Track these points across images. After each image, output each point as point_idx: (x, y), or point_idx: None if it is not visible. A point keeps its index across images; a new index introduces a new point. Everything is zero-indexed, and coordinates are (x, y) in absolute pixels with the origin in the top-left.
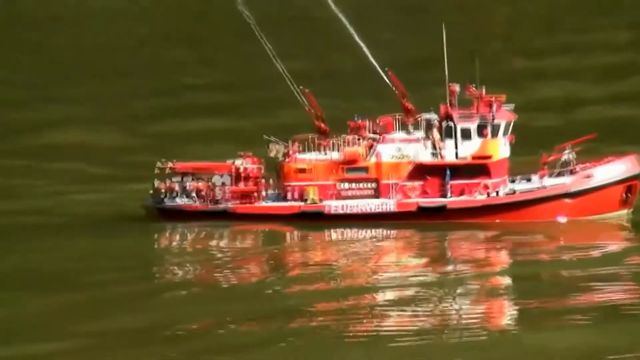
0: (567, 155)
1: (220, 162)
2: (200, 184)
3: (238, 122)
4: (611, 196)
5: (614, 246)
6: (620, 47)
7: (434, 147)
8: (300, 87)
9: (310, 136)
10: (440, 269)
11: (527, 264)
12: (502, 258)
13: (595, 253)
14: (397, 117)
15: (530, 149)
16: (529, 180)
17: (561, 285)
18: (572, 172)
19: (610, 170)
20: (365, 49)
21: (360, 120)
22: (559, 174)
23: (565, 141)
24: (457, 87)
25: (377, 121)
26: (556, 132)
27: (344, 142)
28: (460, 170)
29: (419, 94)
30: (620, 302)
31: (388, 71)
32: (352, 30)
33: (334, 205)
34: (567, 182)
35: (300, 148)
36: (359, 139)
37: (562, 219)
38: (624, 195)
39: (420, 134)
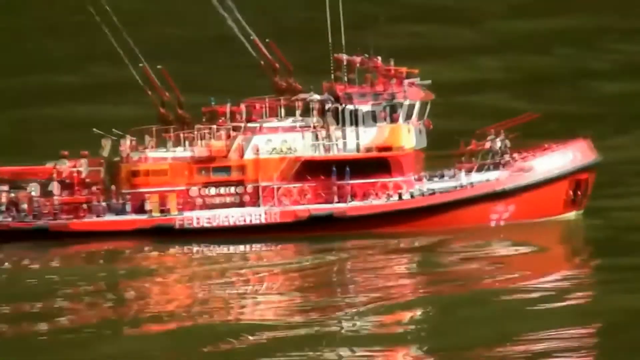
0: (498, 142)
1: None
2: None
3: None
4: (555, 195)
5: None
6: None
7: (328, 137)
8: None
9: (154, 128)
10: (324, 302)
11: (446, 298)
12: (416, 284)
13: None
14: (269, 99)
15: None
16: (451, 177)
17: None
18: (504, 165)
19: (554, 161)
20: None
21: (217, 105)
22: (488, 167)
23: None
24: (357, 59)
25: (245, 105)
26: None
27: (200, 134)
28: (363, 167)
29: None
30: None
31: (269, 42)
32: None
33: (200, 217)
34: (498, 178)
35: (153, 144)
36: (217, 130)
37: (496, 222)
38: (571, 194)
39: (308, 121)
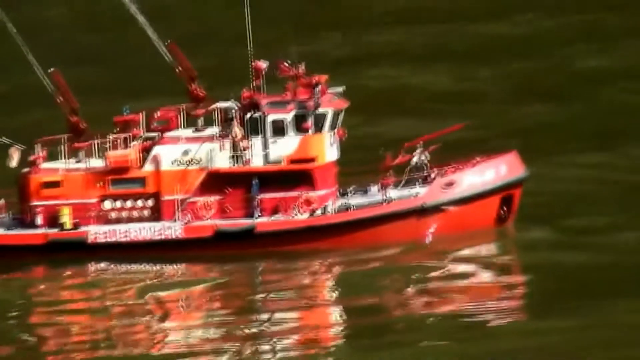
0: (419, 155)
1: None
2: None
3: None
4: (483, 211)
5: None
6: None
7: (235, 147)
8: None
9: (62, 137)
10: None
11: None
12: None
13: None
14: (182, 108)
15: (368, 150)
16: (365, 191)
17: None
18: (425, 180)
19: (481, 176)
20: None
21: (129, 114)
22: (408, 182)
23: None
24: (264, 65)
25: (156, 114)
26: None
27: (110, 144)
28: (273, 180)
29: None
30: None
31: (169, 43)
32: None
33: (98, 232)
34: (420, 194)
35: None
36: (128, 140)
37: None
38: (500, 210)
39: (213, 130)
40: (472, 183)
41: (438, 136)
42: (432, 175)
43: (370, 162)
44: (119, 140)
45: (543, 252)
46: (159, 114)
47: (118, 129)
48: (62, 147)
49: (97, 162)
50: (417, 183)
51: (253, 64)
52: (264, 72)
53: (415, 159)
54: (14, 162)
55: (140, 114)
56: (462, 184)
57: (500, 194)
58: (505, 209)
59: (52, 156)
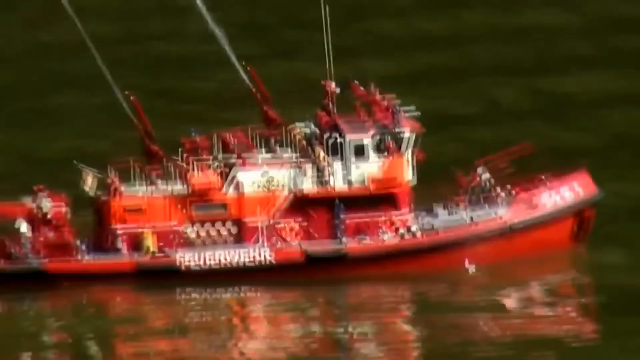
0: (484, 174)
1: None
2: None
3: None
4: (559, 231)
5: None
6: None
7: (318, 170)
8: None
9: (132, 161)
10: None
11: None
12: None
13: None
14: (256, 130)
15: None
16: (431, 210)
17: None
18: (487, 199)
19: (559, 196)
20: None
21: (197, 136)
22: (475, 201)
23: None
24: (334, 85)
25: (230, 137)
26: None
27: (189, 168)
28: (356, 201)
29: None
30: None
31: (247, 67)
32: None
33: (188, 258)
34: (501, 214)
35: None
36: (208, 164)
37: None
38: (576, 229)
39: (289, 152)
40: (553, 203)
41: (505, 155)
42: (498, 194)
43: (426, 180)
44: (197, 164)
45: (618, 274)
46: (233, 136)
47: (186, 152)
48: (136, 170)
49: (176, 186)
50: (483, 202)
51: (323, 84)
52: (334, 93)
53: (482, 177)
54: (88, 187)
55: (214, 136)
56: (543, 204)
57: (578, 213)
58: (581, 228)
59: (124, 179)
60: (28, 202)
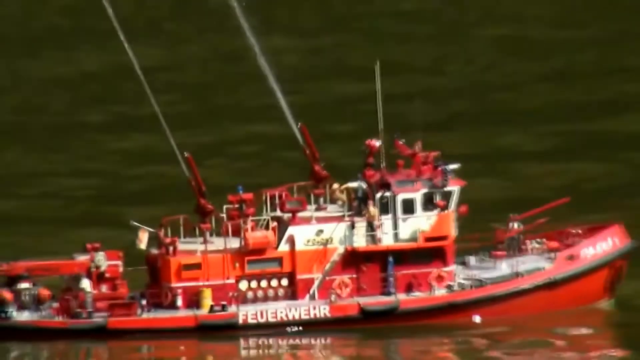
0: (517, 226)
1: (64, 258)
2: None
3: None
4: (596, 283)
5: None
6: None
7: (370, 226)
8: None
9: (181, 217)
10: None
11: None
12: None
13: None
14: (299, 188)
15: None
16: (463, 263)
17: None
18: (519, 250)
19: (595, 249)
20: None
21: (243, 193)
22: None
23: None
24: (377, 143)
25: (278, 194)
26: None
27: (244, 224)
28: (407, 256)
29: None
30: None
31: (300, 125)
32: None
33: (248, 313)
34: (546, 266)
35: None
36: (259, 221)
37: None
38: (612, 282)
39: (336, 208)
40: (592, 255)
41: (544, 210)
42: (527, 246)
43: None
44: (249, 221)
45: None
46: (280, 193)
47: (231, 208)
48: (186, 226)
49: (231, 243)
50: (515, 254)
51: (367, 142)
52: (377, 151)
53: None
54: (143, 244)
55: (264, 194)
56: (583, 256)
57: (613, 266)
58: (615, 280)
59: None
60: (84, 259)
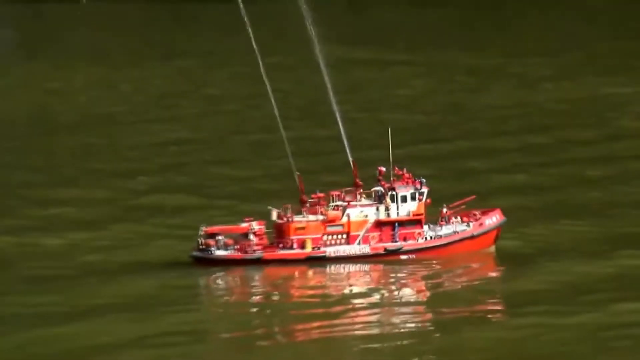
0: (447, 209)
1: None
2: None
3: None
4: (490, 237)
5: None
6: None
7: (386, 209)
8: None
9: (286, 205)
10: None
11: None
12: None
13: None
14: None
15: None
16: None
17: None
18: (448, 221)
19: (490, 221)
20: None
21: (318, 194)
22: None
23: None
24: (384, 169)
25: (341, 194)
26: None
27: (326, 208)
28: (405, 223)
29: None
30: None
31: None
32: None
33: (331, 251)
34: (468, 228)
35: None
36: (335, 207)
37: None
38: (495, 238)
39: (370, 200)
40: (489, 223)
41: (462, 202)
42: (452, 219)
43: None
44: (331, 206)
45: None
46: (342, 194)
47: (311, 201)
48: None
49: (318, 217)
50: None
51: (378, 168)
52: (383, 173)
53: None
54: (274, 217)
55: (338, 192)
56: (486, 224)
57: (497, 229)
58: (497, 237)
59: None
60: (245, 225)
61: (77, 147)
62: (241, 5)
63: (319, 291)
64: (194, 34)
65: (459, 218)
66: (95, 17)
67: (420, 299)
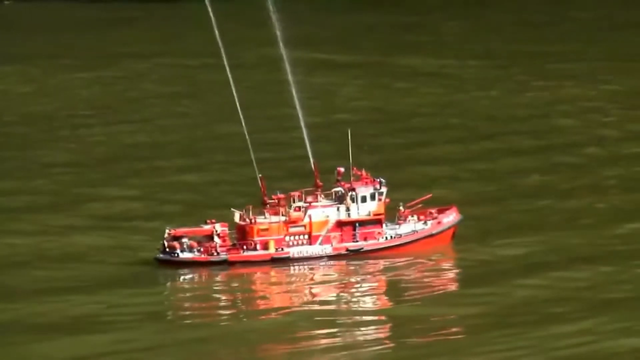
0: (403, 208)
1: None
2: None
3: None
4: (448, 234)
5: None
6: None
7: (347, 209)
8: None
9: (248, 206)
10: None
11: None
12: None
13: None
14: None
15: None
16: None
17: None
18: (405, 220)
19: (448, 219)
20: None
21: (278, 195)
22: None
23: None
24: (342, 169)
25: (301, 195)
26: None
27: (289, 209)
28: (365, 223)
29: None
30: None
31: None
32: None
33: (293, 252)
34: (426, 227)
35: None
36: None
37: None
38: (453, 234)
39: (329, 201)
40: (447, 221)
41: (419, 201)
42: (408, 220)
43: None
44: (292, 207)
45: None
46: (300, 195)
47: (272, 202)
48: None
49: (280, 217)
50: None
51: (337, 169)
52: (342, 174)
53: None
54: (236, 219)
55: (297, 193)
56: (444, 222)
57: (454, 227)
58: (454, 234)
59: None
60: (208, 227)
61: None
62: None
63: (286, 291)
64: (130, 36)
65: (415, 217)
66: (20, 18)
67: (378, 297)
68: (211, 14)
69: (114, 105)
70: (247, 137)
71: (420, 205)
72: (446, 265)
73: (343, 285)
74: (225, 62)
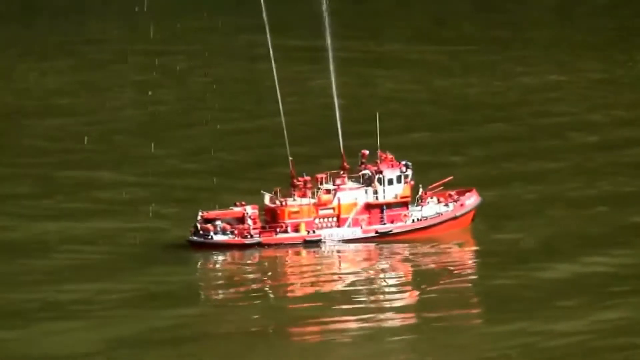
0: (424, 190)
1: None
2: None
3: None
4: (469, 217)
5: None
6: None
7: (375, 192)
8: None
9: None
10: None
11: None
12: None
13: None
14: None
15: None
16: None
17: None
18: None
19: (469, 201)
20: None
21: (305, 176)
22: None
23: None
24: (367, 152)
25: (326, 177)
26: None
27: (317, 191)
28: (392, 205)
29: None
30: None
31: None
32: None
33: (325, 235)
34: (450, 209)
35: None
36: (326, 190)
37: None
38: (473, 217)
39: (357, 184)
40: (469, 204)
41: (440, 184)
42: (427, 202)
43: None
44: (320, 189)
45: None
46: (327, 175)
47: (299, 184)
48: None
49: (310, 200)
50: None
51: (361, 151)
52: (366, 156)
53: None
54: (266, 200)
55: (323, 175)
56: (466, 204)
57: (475, 210)
58: (474, 216)
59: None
60: (238, 209)
61: None
62: None
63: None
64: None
65: (435, 199)
66: None
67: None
68: None
69: None
70: (282, 119)
71: (441, 188)
72: (472, 248)
73: (374, 270)
74: (270, 46)
